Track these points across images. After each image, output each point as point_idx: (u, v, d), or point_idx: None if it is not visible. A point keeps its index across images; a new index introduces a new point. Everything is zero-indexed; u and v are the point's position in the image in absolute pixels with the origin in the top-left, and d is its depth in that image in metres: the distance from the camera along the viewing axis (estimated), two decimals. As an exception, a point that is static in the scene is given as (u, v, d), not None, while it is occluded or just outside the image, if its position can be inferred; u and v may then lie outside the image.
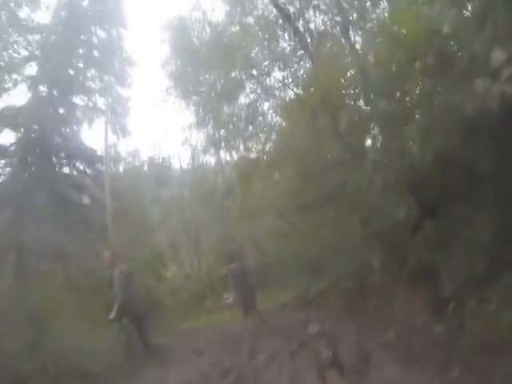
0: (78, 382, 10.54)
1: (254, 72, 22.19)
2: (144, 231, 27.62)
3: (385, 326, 10.03)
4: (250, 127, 23.12)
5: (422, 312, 9.59)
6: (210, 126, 26.26)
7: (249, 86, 23.06)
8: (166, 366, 11.23)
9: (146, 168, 33.09)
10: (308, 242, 18.49)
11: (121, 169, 32.50)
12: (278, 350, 10.47)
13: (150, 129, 57.99)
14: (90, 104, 26.88)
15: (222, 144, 25.56)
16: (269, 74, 21.88)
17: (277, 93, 22.22)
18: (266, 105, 23.62)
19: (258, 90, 23.06)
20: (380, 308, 11.49)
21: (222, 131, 25.49)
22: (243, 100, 23.82)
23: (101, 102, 27.50)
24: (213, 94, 24.01)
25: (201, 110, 25.94)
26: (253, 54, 21.90)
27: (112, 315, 11.88)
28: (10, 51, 23.54)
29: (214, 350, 12.37)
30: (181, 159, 46.48)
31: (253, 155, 22.30)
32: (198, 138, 28.66)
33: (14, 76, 23.94)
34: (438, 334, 8.56)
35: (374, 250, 13.05)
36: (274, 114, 21.84)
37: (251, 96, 23.39)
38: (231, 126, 24.29)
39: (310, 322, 12.77)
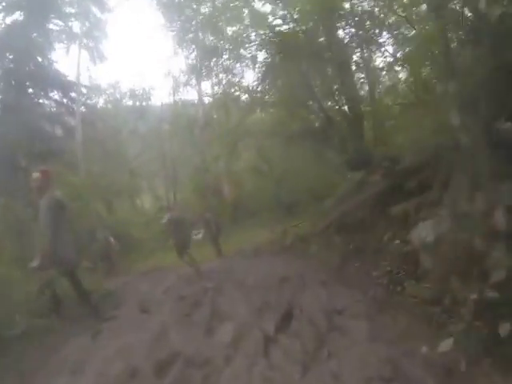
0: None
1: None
2: (119, 163, 23.81)
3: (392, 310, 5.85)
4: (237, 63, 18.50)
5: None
6: (193, 55, 21.49)
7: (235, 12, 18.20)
8: (97, 336, 7.11)
9: (126, 100, 28.78)
10: (287, 178, 16.76)
11: (101, 101, 28.28)
12: (247, 326, 6.29)
13: (133, 60, 52.06)
14: (67, 29, 23.51)
15: (204, 71, 21.01)
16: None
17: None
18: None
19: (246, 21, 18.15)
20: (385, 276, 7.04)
21: (206, 63, 20.81)
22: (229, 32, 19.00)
23: (77, 26, 24.18)
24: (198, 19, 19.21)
25: (184, 38, 21.09)
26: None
27: (35, 262, 7.45)
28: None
29: (165, 309, 8.33)
30: (162, 91, 43.25)
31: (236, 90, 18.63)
32: (181, 68, 24.28)
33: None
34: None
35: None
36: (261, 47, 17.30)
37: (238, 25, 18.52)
38: (215, 58, 19.65)
39: (289, 280, 8.63)
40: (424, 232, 6.41)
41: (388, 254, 7.64)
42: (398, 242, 7.46)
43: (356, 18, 14.00)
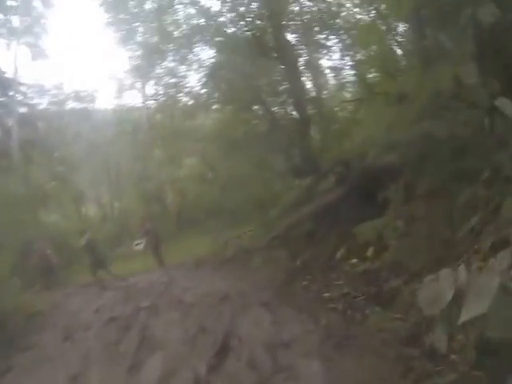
0: None
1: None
2: (62, 166, 22.20)
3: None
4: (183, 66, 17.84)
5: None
6: (137, 55, 20.03)
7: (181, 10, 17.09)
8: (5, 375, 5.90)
9: (70, 102, 26.82)
10: (231, 185, 15.29)
11: (45, 102, 26.13)
12: (178, 360, 5.06)
13: (78, 60, 49.39)
14: (7, 24, 21.55)
15: (148, 72, 19.62)
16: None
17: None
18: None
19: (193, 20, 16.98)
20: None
21: (150, 64, 19.44)
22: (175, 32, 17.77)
23: (17, 21, 22.04)
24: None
25: (128, 37, 19.62)
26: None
27: None
28: None
29: (91, 335, 7.17)
30: (106, 94, 41.87)
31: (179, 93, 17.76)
32: (125, 70, 22.73)
33: None
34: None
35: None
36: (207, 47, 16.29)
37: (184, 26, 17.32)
38: (160, 59, 18.42)
39: (229, 299, 7.54)
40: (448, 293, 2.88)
41: (342, 272, 6.47)
42: (354, 260, 6.25)
43: (305, 20, 13.23)
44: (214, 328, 5.98)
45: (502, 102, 4.24)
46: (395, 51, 9.29)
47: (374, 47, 9.58)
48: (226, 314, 6.58)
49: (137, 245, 15.58)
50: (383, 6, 9.10)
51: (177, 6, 17.20)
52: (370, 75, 10.81)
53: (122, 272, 13.91)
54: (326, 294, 6.15)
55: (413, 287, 4.54)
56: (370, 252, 6.05)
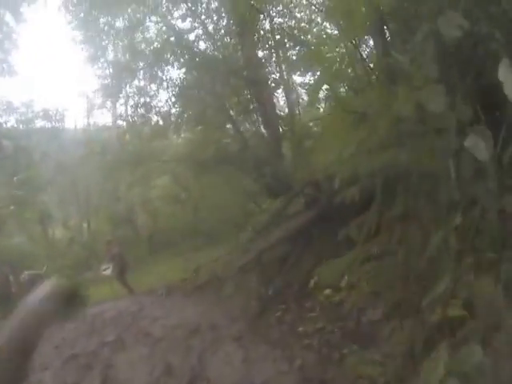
0: None
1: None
2: (23, 188, 21.51)
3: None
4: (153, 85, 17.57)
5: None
6: (107, 73, 19.66)
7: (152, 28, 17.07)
8: None
9: (39, 121, 26.28)
10: (204, 206, 15.45)
11: (13, 120, 26.00)
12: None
13: (47, 78, 48.69)
14: None
15: (117, 92, 19.23)
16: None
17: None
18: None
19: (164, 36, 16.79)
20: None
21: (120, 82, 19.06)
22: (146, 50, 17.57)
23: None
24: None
25: (97, 54, 19.23)
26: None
27: None
28: None
29: (48, 377, 6.56)
30: (76, 113, 41.35)
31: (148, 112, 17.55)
32: (95, 89, 22.27)
33: None
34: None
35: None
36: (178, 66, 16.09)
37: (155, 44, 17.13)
38: (130, 78, 18.12)
39: (199, 332, 7.03)
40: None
41: (316, 302, 6.13)
42: (328, 291, 5.91)
43: (276, 36, 13.14)
44: (182, 368, 5.62)
45: (472, 143, 3.57)
46: (362, 68, 9.11)
47: (333, 63, 9.30)
48: (195, 351, 6.18)
49: (105, 269, 15.10)
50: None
51: (148, 24, 17.15)
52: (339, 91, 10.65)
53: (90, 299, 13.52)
54: (301, 328, 5.80)
55: (393, 323, 4.25)
56: (343, 283, 5.71)
